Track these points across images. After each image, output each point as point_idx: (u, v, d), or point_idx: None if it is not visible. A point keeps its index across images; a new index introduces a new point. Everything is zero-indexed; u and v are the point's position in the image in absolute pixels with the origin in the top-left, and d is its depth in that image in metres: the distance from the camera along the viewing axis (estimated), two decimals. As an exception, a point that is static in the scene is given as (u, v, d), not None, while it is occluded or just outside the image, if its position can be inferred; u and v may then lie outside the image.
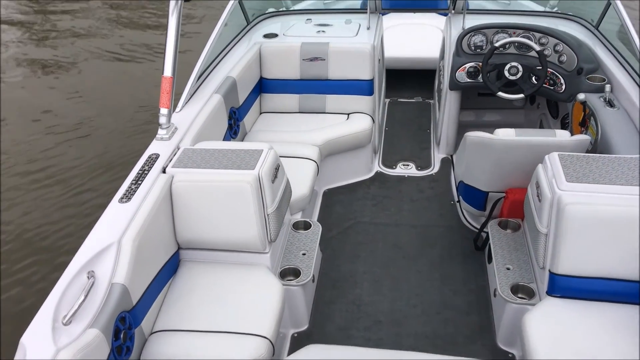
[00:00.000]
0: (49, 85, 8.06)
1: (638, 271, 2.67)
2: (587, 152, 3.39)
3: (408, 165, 4.85)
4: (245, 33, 4.96)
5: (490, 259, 3.49)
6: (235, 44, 4.71)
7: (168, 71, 3.34)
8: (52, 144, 6.50)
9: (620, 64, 4.03)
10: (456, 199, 4.34)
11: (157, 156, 3.11)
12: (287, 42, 4.69)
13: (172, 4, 3.35)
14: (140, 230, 2.62)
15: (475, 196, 3.76)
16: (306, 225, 3.66)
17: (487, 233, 3.59)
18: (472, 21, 4.76)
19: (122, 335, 2.37)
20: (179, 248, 3.08)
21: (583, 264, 2.72)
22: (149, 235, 2.69)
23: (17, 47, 9.47)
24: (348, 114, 4.61)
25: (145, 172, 2.97)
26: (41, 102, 7.50)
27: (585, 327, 2.63)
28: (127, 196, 2.80)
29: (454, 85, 4.60)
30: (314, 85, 4.64)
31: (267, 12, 5.41)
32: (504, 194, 3.62)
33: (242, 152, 3.07)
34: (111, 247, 2.51)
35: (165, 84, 3.33)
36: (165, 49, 3.36)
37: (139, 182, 2.90)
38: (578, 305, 2.75)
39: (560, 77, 4.18)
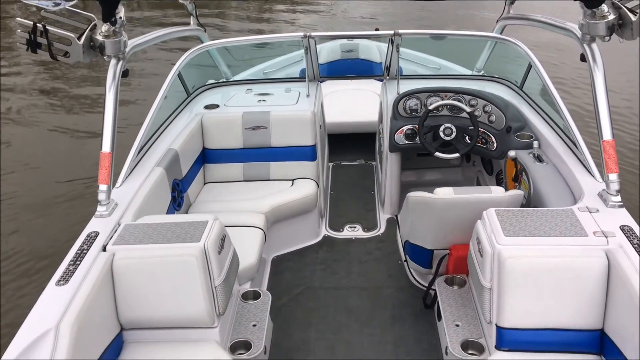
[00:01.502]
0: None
1: (581, 320, 2.75)
2: (522, 206, 3.54)
3: (355, 227, 4.90)
4: (186, 105, 5.00)
5: (439, 317, 3.51)
6: (176, 115, 4.74)
7: (107, 147, 3.31)
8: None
9: (545, 121, 4.29)
10: (403, 259, 4.39)
11: (96, 234, 3.03)
12: (228, 112, 4.75)
13: (109, 79, 3.37)
14: (80, 314, 2.51)
15: (421, 255, 3.82)
16: (255, 295, 3.60)
17: (435, 290, 3.63)
18: (406, 86, 4.99)
19: None
20: (122, 329, 2.96)
21: (528, 316, 2.78)
22: (89, 318, 2.57)
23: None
24: (293, 180, 4.65)
25: (84, 251, 2.88)
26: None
27: None
28: (65, 278, 2.69)
29: (394, 147, 4.75)
30: (258, 154, 4.69)
31: (207, 83, 5.49)
32: (448, 251, 3.69)
33: (186, 225, 3.03)
34: (48, 334, 2.38)
35: (103, 159, 3.29)
36: (103, 125, 3.35)
37: (78, 262, 2.80)
38: (526, 358, 2.79)
39: (491, 136, 4.39)
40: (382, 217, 5.02)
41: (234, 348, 3.20)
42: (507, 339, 2.82)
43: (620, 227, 2.91)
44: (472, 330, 3.22)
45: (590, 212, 3.03)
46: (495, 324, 2.87)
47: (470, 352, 3.12)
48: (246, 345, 3.22)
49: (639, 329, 2.42)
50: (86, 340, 2.53)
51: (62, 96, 10.24)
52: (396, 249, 4.59)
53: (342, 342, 3.64)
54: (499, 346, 2.86)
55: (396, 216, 4.98)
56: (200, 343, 2.94)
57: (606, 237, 2.82)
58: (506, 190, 3.53)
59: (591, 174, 3.43)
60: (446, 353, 3.33)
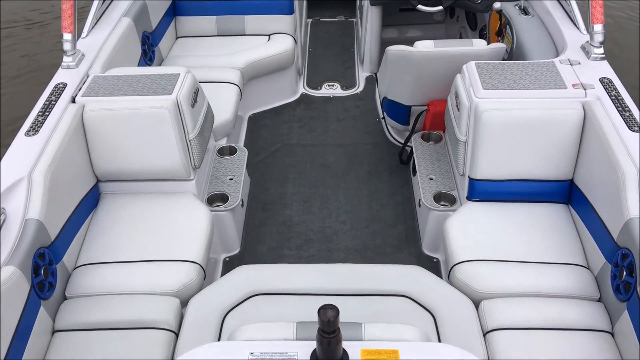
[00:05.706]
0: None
1: (552, 171, 2.81)
2: (503, 60, 3.46)
3: (333, 85, 4.81)
4: None
5: (414, 172, 3.57)
6: None
7: None
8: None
9: None
10: (381, 116, 4.37)
11: (64, 85, 2.92)
12: None
13: None
14: (52, 164, 2.49)
15: (399, 111, 3.79)
16: (232, 151, 3.60)
17: (412, 147, 3.66)
18: None
19: (42, 272, 2.29)
20: (98, 181, 2.96)
21: (500, 168, 2.83)
22: (62, 168, 2.56)
23: None
24: (269, 35, 4.46)
25: (53, 102, 2.79)
26: None
27: (501, 226, 2.77)
28: (34, 129, 2.63)
29: (375, 0, 4.52)
30: (232, 6, 4.44)
31: None
32: (426, 107, 3.67)
33: (158, 77, 2.93)
34: (21, 182, 2.37)
35: (65, 6, 3.08)
36: None
37: (46, 113, 2.72)
38: (495, 206, 2.88)
39: None
40: (362, 75, 4.92)
41: (211, 200, 3.26)
42: (479, 189, 2.89)
43: (600, 79, 2.88)
44: (445, 183, 3.30)
45: (571, 65, 2.98)
46: (468, 176, 2.93)
47: (442, 203, 3.22)
48: (223, 198, 3.27)
49: (607, 177, 2.48)
50: (61, 190, 2.53)
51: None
52: (374, 107, 4.55)
53: (318, 195, 3.72)
54: (470, 197, 2.94)
55: (375, 74, 4.88)
56: (177, 195, 2.97)
57: (585, 89, 2.79)
58: (489, 44, 3.42)
59: (577, 27, 3.32)
60: (419, 205, 3.43)
